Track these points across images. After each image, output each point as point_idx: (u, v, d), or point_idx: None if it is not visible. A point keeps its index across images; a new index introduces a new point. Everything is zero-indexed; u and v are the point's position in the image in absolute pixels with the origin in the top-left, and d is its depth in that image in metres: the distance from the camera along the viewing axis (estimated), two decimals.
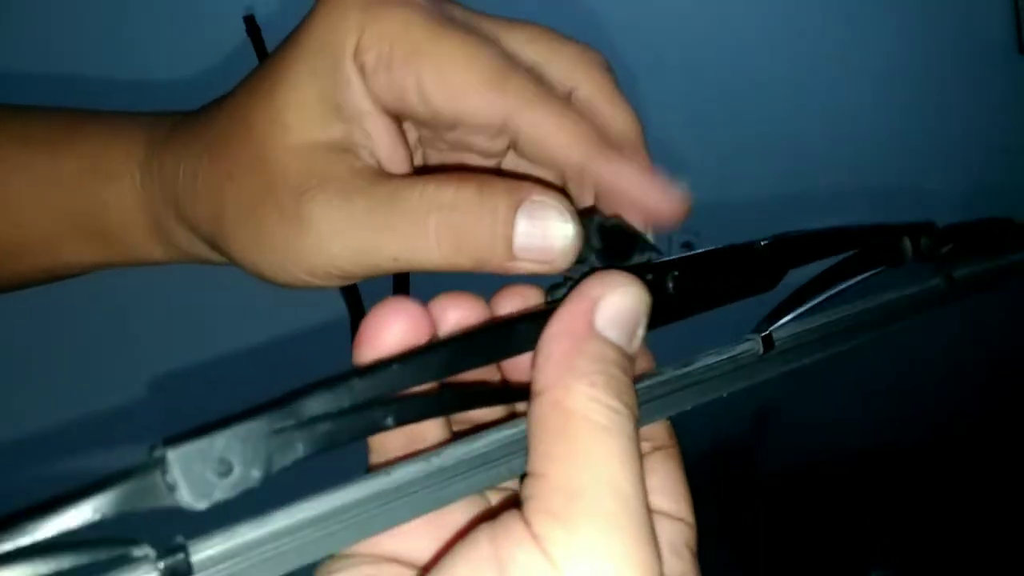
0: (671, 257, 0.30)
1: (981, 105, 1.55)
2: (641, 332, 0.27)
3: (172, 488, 0.21)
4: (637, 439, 0.25)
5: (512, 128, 0.30)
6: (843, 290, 0.34)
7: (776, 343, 0.32)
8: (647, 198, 0.30)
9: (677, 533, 0.29)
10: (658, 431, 0.31)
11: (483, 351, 0.26)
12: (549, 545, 0.22)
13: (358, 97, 0.30)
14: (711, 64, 1.44)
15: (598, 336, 0.26)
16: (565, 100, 0.31)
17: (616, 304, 0.26)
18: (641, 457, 0.25)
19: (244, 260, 0.32)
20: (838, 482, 0.74)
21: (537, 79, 0.30)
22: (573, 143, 0.30)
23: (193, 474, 0.21)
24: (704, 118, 1.44)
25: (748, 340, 0.32)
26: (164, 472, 0.21)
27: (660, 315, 0.29)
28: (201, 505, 0.22)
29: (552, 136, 0.30)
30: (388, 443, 0.28)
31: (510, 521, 0.23)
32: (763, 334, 0.32)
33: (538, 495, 0.23)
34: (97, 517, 0.20)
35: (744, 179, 1.51)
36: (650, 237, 0.30)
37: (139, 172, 0.35)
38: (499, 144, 0.31)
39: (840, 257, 0.34)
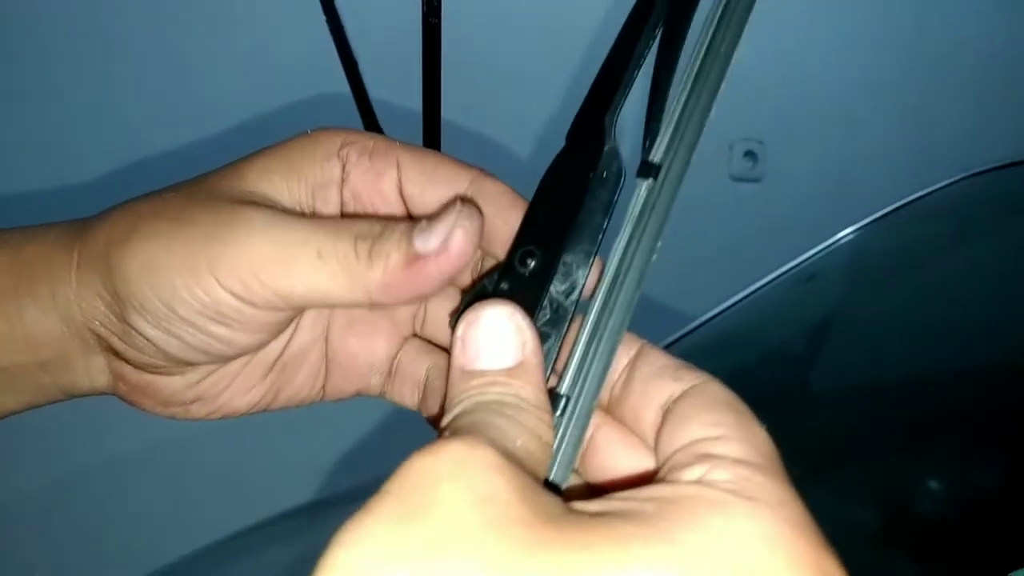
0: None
1: None
2: (512, 340, 0.27)
3: None
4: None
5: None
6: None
7: (656, 163, 0.30)
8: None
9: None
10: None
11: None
12: None
13: (332, 172, 0.34)
14: None
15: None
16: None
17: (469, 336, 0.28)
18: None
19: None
20: (898, 397, 0.72)
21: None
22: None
23: None
24: (760, 24, 1.39)
25: (637, 187, 0.30)
26: None
27: (530, 292, 0.30)
28: None
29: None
30: None
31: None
32: (641, 170, 0.30)
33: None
34: None
35: (807, 86, 1.46)
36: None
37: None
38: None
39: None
